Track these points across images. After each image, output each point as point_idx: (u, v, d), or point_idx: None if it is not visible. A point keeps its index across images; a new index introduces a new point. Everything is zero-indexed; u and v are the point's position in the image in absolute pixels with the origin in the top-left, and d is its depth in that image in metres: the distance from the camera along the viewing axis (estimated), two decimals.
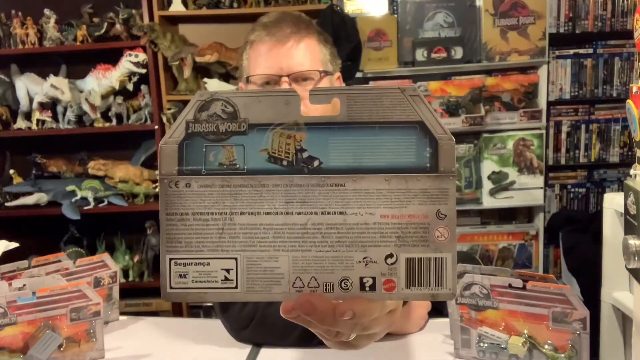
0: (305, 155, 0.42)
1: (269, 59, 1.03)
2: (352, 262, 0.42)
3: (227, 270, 0.42)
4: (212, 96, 0.42)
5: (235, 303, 1.02)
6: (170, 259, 0.42)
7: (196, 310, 2.81)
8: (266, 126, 0.42)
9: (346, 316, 0.41)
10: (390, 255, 0.42)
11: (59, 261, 1.06)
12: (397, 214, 0.41)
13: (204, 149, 0.42)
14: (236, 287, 0.42)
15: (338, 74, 1.12)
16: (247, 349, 1.01)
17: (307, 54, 1.04)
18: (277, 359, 0.98)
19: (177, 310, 2.76)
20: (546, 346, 0.86)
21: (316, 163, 0.42)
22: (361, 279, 0.42)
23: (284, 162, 0.42)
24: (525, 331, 0.87)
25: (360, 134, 0.42)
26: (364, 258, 0.42)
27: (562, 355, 0.85)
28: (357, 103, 0.42)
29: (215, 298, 0.42)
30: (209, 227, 0.42)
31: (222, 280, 0.42)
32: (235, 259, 0.42)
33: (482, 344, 0.90)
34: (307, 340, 0.98)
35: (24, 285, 0.91)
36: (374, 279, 0.42)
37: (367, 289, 0.42)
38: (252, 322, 1.00)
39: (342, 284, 0.42)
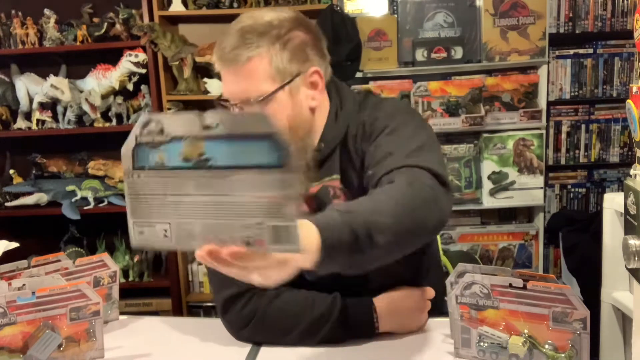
0: (204, 157, 0.63)
1: (223, 83, 1.03)
2: (238, 227, 0.64)
3: (165, 230, 0.67)
4: (150, 118, 0.65)
5: (235, 303, 1.02)
6: (134, 222, 0.68)
7: (196, 309, 2.81)
8: (181, 138, 0.64)
9: (236, 260, 0.65)
10: (261, 223, 0.63)
11: (59, 261, 1.07)
12: (264, 196, 0.62)
13: (146, 153, 0.66)
14: (171, 241, 0.67)
15: (313, 68, 1.03)
16: (247, 347, 1.02)
17: (252, 77, 0.99)
18: (277, 358, 0.98)
19: (177, 310, 2.76)
20: (546, 346, 0.86)
21: (212, 162, 0.63)
22: (244, 237, 0.64)
23: (193, 162, 0.64)
24: (526, 331, 0.87)
25: (238, 143, 0.62)
26: (245, 224, 0.63)
27: (562, 355, 0.85)
28: (234, 123, 0.63)
29: (160, 247, 0.68)
30: (153, 203, 0.67)
31: (162, 236, 0.67)
32: (169, 223, 0.66)
33: (482, 344, 0.90)
34: (306, 339, 0.98)
35: (24, 285, 0.91)
36: (251, 238, 0.64)
37: (248, 244, 0.64)
38: (252, 321, 1.01)
39: (234, 241, 0.64)
